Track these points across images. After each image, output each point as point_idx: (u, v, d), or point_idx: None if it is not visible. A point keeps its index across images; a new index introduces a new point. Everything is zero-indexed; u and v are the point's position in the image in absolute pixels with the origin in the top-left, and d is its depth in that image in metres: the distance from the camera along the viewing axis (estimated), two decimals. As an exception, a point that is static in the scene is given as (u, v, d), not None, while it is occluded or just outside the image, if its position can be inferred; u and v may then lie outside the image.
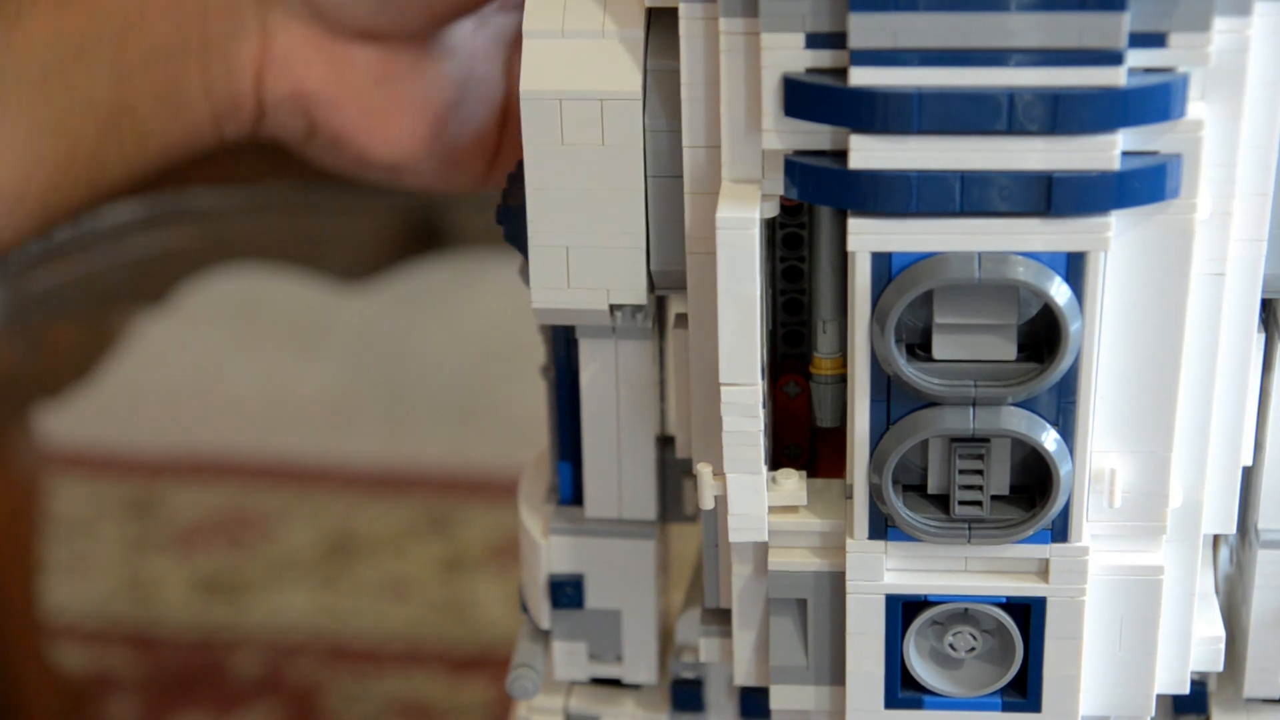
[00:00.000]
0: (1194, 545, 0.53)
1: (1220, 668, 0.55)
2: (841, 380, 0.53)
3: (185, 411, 1.68)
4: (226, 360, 1.75)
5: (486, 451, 1.58)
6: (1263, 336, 0.52)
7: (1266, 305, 0.52)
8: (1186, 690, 0.55)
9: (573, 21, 0.51)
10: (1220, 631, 0.54)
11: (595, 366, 0.55)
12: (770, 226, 0.53)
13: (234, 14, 0.59)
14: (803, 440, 0.55)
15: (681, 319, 0.53)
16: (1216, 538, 0.57)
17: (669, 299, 0.56)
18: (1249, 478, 0.54)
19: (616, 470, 0.56)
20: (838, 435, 0.53)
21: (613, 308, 0.53)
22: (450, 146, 0.61)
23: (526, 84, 0.50)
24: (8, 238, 0.58)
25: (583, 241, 0.52)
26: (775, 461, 0.54)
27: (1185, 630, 0.54)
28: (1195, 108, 0.47)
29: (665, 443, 0.57)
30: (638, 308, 0.53)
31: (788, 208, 0.53)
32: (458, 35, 0.61)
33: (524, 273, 0.53)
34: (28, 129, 0.57)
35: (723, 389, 0.50)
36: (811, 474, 0.54)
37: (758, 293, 0.49)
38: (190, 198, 1.05)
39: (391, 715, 1.32)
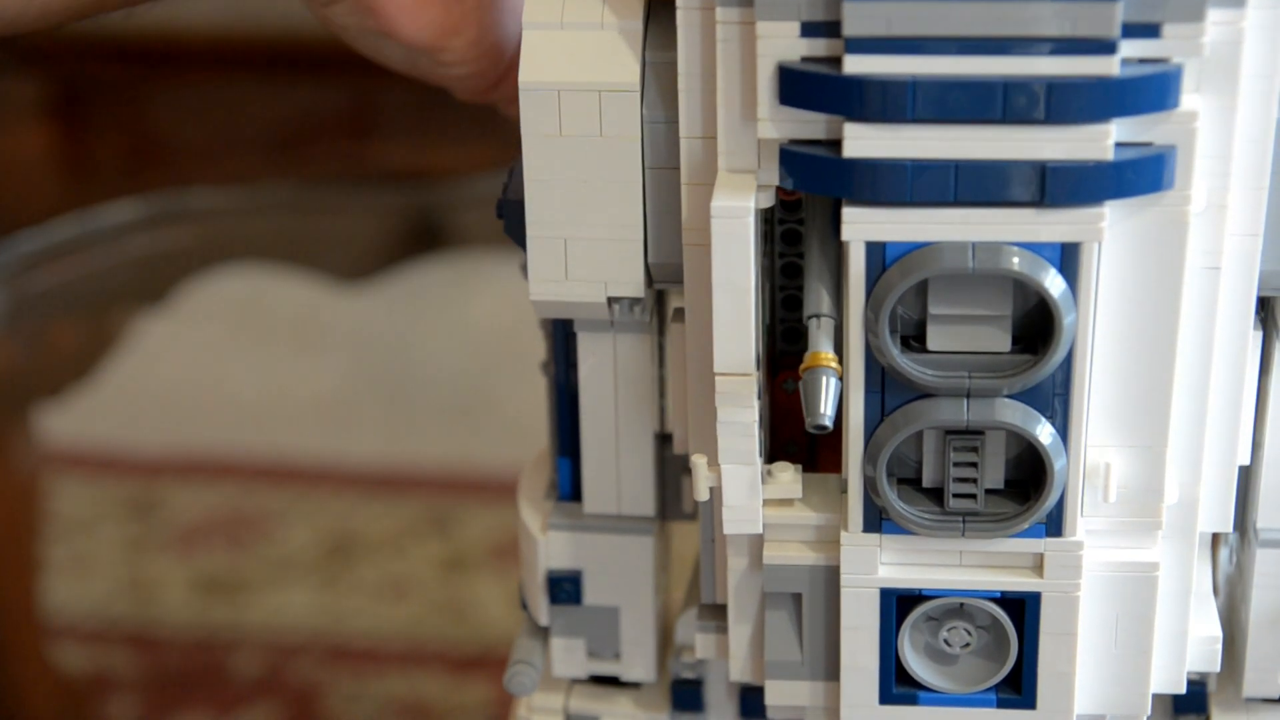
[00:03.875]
0: (1190, 543, 0.52)
1: (1217, 668, 0.55)
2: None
3: (185, 411, 1.68)
4: (226, 360, 1.75)
5: (486, 451, 1.58)
6: (1260, 335, 0.52)
7: (1265, 304, 0.52)
8: (1183, 690, 0.54)
9: (571, 13, 0.51)
10: (1217, 631, 0.54)
11: (593, 361, 0.55)
12: (769, 222, 0.53)
13: None
14: (801, 437, 0.55)
15: (680, 314, 0.53)
16: (1216, 537, 0.57)
17: (668, 295, 0.56)
18: (1248, 477, 0.54)
19: (615, 466, 0.56)
20: (836, 433, 0.53)
21: (610, 300, 0.53)
22: (479, 41, 0.57)
23: (525, 75, 0.50)
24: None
25: (581, 233, 0.52)
26: (774, 459, 0.54)
27: (1181, 629, 0.53)
28: (1189, 99, 0.47)
29: (664, 440, 0.57)
30: (635, 300, 0.53)
31: (786, 204, 0.52)
32: None
33: (525, 268, 0.53)
34: None
35: (717, 379, 0.50)
36: (810, 471, 0.53)
37: (752, 282, 0.49)
38: (190, 198, 1.05)
39: (391, 715, 1.32)
